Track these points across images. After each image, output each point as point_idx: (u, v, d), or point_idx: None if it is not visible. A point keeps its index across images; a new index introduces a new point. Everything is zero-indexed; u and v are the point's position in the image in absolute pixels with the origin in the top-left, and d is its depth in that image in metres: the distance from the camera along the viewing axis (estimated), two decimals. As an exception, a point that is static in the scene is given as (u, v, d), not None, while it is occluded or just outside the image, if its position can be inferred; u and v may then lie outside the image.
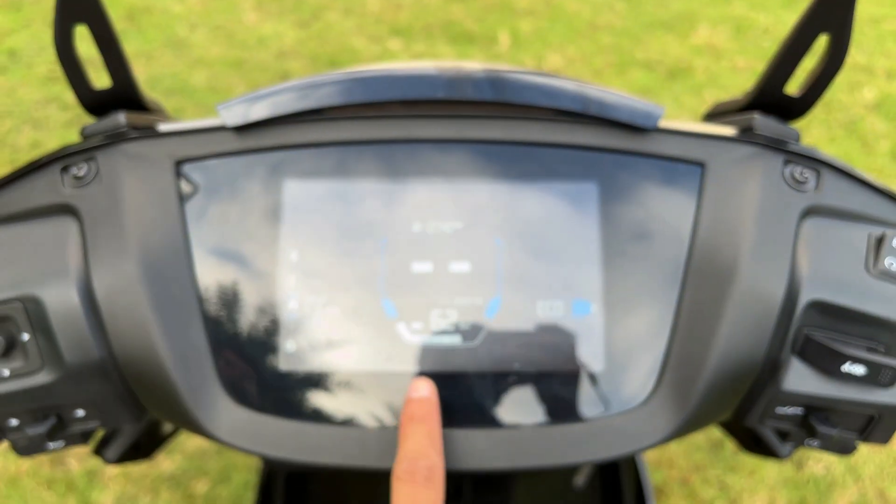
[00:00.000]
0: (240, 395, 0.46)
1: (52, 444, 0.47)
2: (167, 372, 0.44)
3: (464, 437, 0.46)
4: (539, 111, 0.49)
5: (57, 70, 2.18)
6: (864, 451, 1.46)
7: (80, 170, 0.47)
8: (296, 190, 0.48)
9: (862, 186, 0.49)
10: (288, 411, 0.46)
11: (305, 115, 0.48)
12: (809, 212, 0.47)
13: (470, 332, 0.47)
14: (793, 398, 0.46)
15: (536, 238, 0.47)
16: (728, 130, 0.50)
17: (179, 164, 0.48)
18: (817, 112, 2.17)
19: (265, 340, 0.46)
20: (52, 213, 0.46)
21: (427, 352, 0.46)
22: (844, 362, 0.43)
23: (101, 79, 0.49)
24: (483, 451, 0.46)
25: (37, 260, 0.44)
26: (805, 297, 0.44)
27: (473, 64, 0.52)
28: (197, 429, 0.46)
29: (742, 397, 0.47)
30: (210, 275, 0.47)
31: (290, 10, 2.52)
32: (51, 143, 2.00)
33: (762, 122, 0.49)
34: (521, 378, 0.46)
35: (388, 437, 0.45)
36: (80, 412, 0.47)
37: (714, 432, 1.47)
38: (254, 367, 0.46)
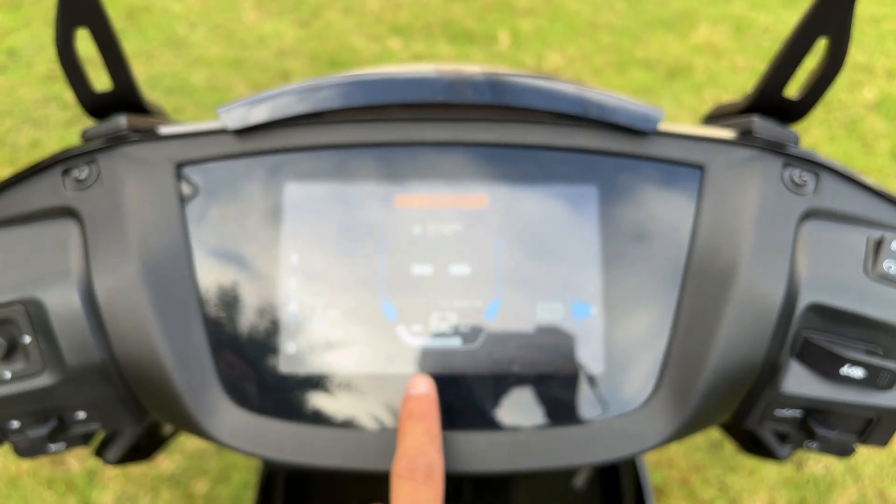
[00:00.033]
0: (240, 397, 0.46)
1: (53, 446, 0.47)
2: (168, 374, 0.44)
3: (464, 439, 0.46)
4: (539, 114, 0.49)
5: (56, 69, 2.17)
6: (864, 451, 1.46)
7: (82, 172, 0.47)
8: (296, 192, 0.48)
9: (861, 189, 0.49)
10: (288, 413, 0.46)
11: (306, 118, 0.48)
12: (808, 215, 0.47)
13: (470, 334, 0.47)
14: (792, 400, 0.46)
15: (536, 241, 0.47)
16: (727, 133, 0.50)
17: (180, 166, 0.48)
18: (817, 112, 2.17)
19: (265, 342, 0.46)
20: (53, 216, 0.46)
21: (427, 354, 0.46)
22: (843, 365, 0.44)
23: (101, 78, 0.49)
24: (483, 453, 0.46)
25: (38, 262, 0.44)
26: (804, 300, 0.45)
27: (473, 67, 0.52)
28: (197, 431, 0.46)
29: (741, 400, 0.47)
30: (211, 277, 0.47)
31: (289, 10, 2.52)
32: (50, 143, 2.00)
33: (761, 125, 0.49)
34: (521, 380, 0.46)
35: (389, 438, 0.45)
36: (82, 414, 0.47)
37: (714, 433, 1.48)
38: (254, 369, 0.46)
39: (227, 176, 0.48)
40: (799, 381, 0.45)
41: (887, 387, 0.44)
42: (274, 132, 0.48)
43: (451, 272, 0.47)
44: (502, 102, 0.48)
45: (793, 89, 0.50)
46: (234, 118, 0.47)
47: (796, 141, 0.50)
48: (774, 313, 0.44)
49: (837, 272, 0.45)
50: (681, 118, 2.18)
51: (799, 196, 0.47)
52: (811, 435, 0.47)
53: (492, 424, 0.46)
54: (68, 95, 2.10)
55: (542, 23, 2.53)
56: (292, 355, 0.46)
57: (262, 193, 0.48)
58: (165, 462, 1.42)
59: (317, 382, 0.46)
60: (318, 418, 0.46)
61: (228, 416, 0.46)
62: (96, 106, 0.49)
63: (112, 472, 1.40)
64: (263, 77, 2.25)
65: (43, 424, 0.46)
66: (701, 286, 0.46)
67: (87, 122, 0.49)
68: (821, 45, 0.47)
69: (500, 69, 0.52)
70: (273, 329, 0.46)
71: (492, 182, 0.48)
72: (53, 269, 0.44)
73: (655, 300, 0.47)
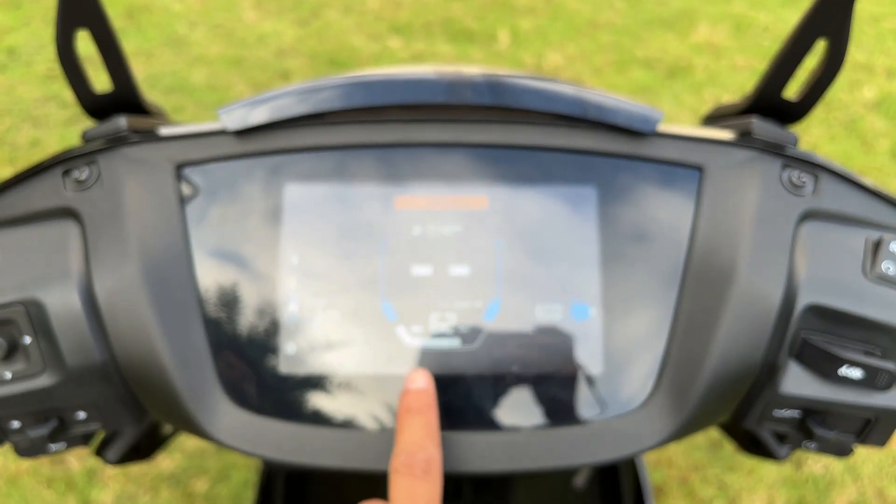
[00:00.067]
0: (240, 397, 0.46)
1: (53, 446, 0.48)
2: (168, 374, 0.44)
3: (463, 440, 0.46)
4: (538, 115, 0.49)
5: (56, 68, 2.18)
6: (863, 450, 1.47)
7: (82, 173, 0.47)
8: (296, 193, 0.48)
9: (859, 190, 0.49)
10: (288, 413, 0.46)
11: (306, 120, 0.48)
12: (807, 216, 0.47)
13: (469, 335, 0.47)
14: (790, 401, 0.46)
15: (535, 242, 0.48)
16: (726, 134, 0.50)
17: (180, 167, 0.48)
18: (817, 111, 2.17)
19: (265, 343, 0.46)
20: (53, 217, 0.47)
21: (426, 354, 0.47)
22: (841, 366, 0.44)
23: (100, 78, 0.49)
24: (482, 453, 0.46)
25: (38, 263, 0.45)
26: (802, 301, 0.45)
27: (473, 68, 0.53)
28: (197, 431, 0.46)
29: (740, 400, 0.47)
30: (211, 278, 0.47)
31: (289, 9, 2.52)
32: (50, 142, 2.00)
33: (760, 126, 0.49)
34: (521, 381, 0.47)
35: (388, 438, 0.46)
36: (82, 414, 0.47)
37: (713, 432, 1.48)
38: (254, 369, 0.46)
39: (227, 177, 0.48)
40: (797, 381, 0.45)
41: (885, 387, 0.44)
42: (274, 133, 0.48)
43: (451, 273, 0.47)
44: (502, 104, 0.48)
45: (792, 90, 0.50)
46: (234, 119, 0.48)
47: (795, 142, 0.50)
48: (773, 314, 0.44)
49: (836, 273, 0.46)
50: (681, 118, 2.18)
51: (798, 197, 0.48)
52: (810, 435, 0.47)
53: (491, 424, 0.46)
54: (68, 94, 2.10)
55: (542, 22, 2.53)
56: (292, 356, 0.46)
57: (262, 194, 0.48)
58: (165, 461, 1.42)
59: (316, 383, 0.46)
60: (318, 418, 0.46)
61: (228, 417, 0.46)
62: (96, 107, 0.49)
63: (112, 472, 1.40)
64: (263, 76, 2.25)
65: (43, 424, 0.46)
66: (700, 287, 0.46)
67: (87, 122, 0.49)
68: (820, 47, 0.47)
69: (500, 70, 0.52)
70: (273, 329, 0.47)
71: (491, 183, 0.48)
72: (54, 270, 0.44)
73: (654, 301, 0.47)
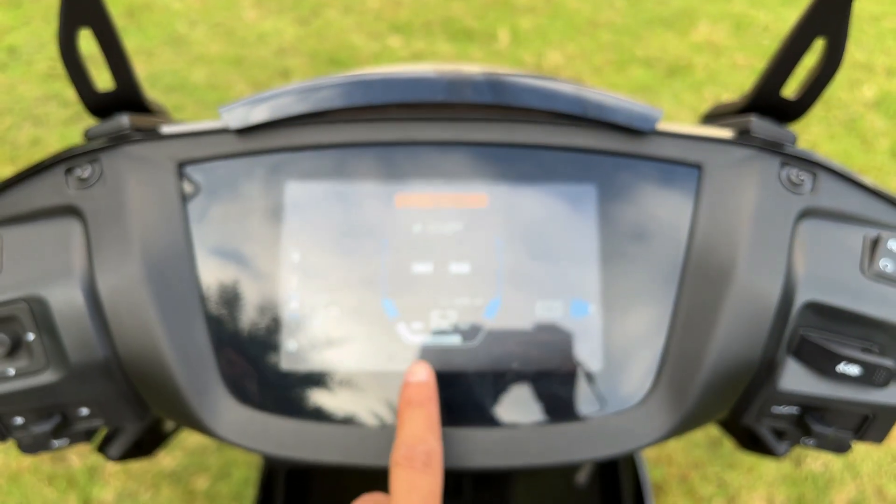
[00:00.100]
0: (242, 393, 0.47)
1: (56, 443, 0.48)
2: (170, 371, 0.44)
3: (463, 436, 0.46)
4: (538, 114, 0.49)
5: (57, 67, 2.18)
6: (863, 448, 1.47)
7: (84, 171, 0.47)
8: (297, 191, 0.48)
9: (857, 189, 0.49)
10: (289, 410, 0.47)
11: (307, 118, 0.49)
12: (805, 213, 0.48)
13: (469, 332, 0.47)
14: (788, 398, 0.46)
15: (536, 239, 0.48)
16: (725, 133, 0.50)
17: (182, 165, 0.48)
18: (817, 110, 2.17)
19: (267, 340, 0.47)
20: (56, 214, 0.47)
21: (427, 351, 0.47)
22: (839, 362, 0.44)
23: (102, 76, 0.49)
24: (482, 449, 0.46)
25: (41, 260, 0.45)
26: (801, 298, 0.45)
27: (473, 67, 0.53)
28: (199, 427, 0.46)
29: (738, 396, 0.48)
30: (212, 275, 0.47)
31: (289, 8, 2.52)
32: (51, 140, 2.00)
33: (759, 125, 0.50)
34: (521, 378, 0.47)
35: (389, 434, 0.46)
36: (85, 411, 0.47)
37: (712, 430, 1.48)
38: (255, 366, 0.47)
39: (229, 175, 0.48)
40: (796, 378, 0.45)
41: (883, 384, 0.44)
42: (275, 132, 0.48)
43: (452, 271, 0.48)
44: (502, 102, 0.48)
45: (790, 89, 0.50)
46: (236, 118, 0.48)
47: (794, 140, 0.50)
48: (771, 311, 0.45)
49: (834, 271, 0.46)
50: (680, 116, 2.18)
51: (796, 195, 0.48)
52: (808, 432, 0.47)
53: (491, 421, 0.47)
54: (68, 93, 2.11)
55: (541, 21, 2.53)
56: (293, 352, 0.47)
57: (263, 192, 0.48)
58: (166, 459, 1.43)
59: (317, 379, 0.47)
60: (319, 415, 0.46)
61: (230, 413, 0.46)
62: (99, 105, 0.50)
63: (113, 469, 1.41)
64: (263, 75, 2.25)
65: (46, 421, 0.46)
66: (698, 284, 0.47)
67: (88, 120, 0.50)
68: (818, 45, 0.47)
69: (500, 69, 0.52)
70: (274, 327, 0.47)
71: (491, 181, 0.48)
72: (57, 267, 0.44)
73: (653, 298, 0.47)
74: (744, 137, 0.49)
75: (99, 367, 0.45)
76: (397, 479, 0.40)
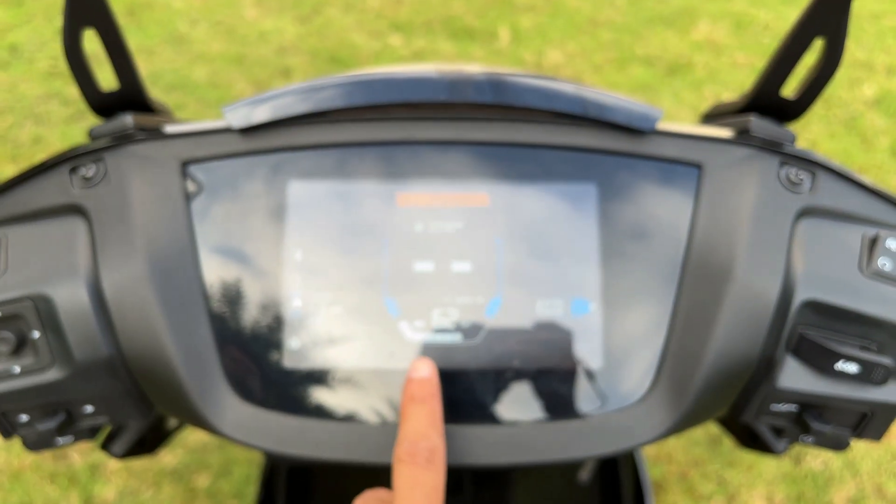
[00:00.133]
0: (245, 391, 0.47)
1: (61, 440, 0.48)
2: (174, 368, 0.45)
3: (464, 433, 0.47)
4: (539, 114, 0.49)
5: (58, 65, 2.18)
6: (862, 446, 1.47)
7: (89, 170, 0.47)
8: (300, 190, 0.48)
9: (856, 188, 0.49)
10: (292, 407, 0.47)
11: (309, 118, 0.49)
12: (804, 213, 0.48)
13: (471, 330, 0.47)
14: (787, 395, 0.46)
15: (536, 238, 0.48)
16: (725, 132, 0.50)
17: (185, 164, 0.48)
18: (817, 108, 2.17)
19: (270, 338, 0.47)
20: (61, 213, 0.47)
21: (428, 349, 0.47)
22: (838, 360, 0.44)
23: (105, 76, 0.49)
24: (483, 446, 0.46)
25: (46, 259, 0.45)
26: (800, 297, 0.45)
27: (474, 66, 0.53)
28: (203, 424, 0.47)
29: (738, 394, 0.48)
30: (216, 273, 0.47)
31: (290, 6, 2.52)
32: (52, 139, 2.01)
33: (758, 125, 0.50)
34: (521, 375, 0.47)
35: (391, 432, 0.46)
36: (89, 408, 0.48)
37: (712, 428, 1.48)
38: (258, 363, 0.47)
39: (232, 174, 0.49)
40: (794, 376, 0.46)
41: (881, 382, 0.45)
42: (278, 131, 0.49)
43: (453, 269, 0.48)
44: (503, 102, 0.48)
45: (790, 88, 0.50)
46: (239, 117, 0.48)
47: (793, 140, 0.50)
48: (770, 309, 0.45)
49: (833, 269, 0.46)
50: (681, 115, 2.18)
51: (795, 194, 0.48)
52: (807, 429, 0.48)
53: (492, 418, 0.47)
54: (70, 91, 2.11)
55: (542, 19, 2.53)
56: (296, 350, 0.47)
57: (266, 191, 0.48)
58: (167, 457, 1.43)
59: (320, 377, 0.47)
60: (322, 412, 0.47)
61: (233, 410, 0.47)
62: (103, 105, 0.50)
63: (114, 467, 1.41)
64: (264, 74, 2.26)
65: (51, 418, 0.47)
66: (698, 283, 0.47)
67: (90, 118, 0.50)
68: (818, 45, 0.47)
69: (501, 69, 0.52)
70: (277, 325, 0.47)
71: (492, 180, 0.49)
72: (62, 266, 0.45)
73: (653, 297, 0.48)
74: (743, 137, 0.50)
75: (103, 364, 0.45)
76: (400, 475, 0.40)
